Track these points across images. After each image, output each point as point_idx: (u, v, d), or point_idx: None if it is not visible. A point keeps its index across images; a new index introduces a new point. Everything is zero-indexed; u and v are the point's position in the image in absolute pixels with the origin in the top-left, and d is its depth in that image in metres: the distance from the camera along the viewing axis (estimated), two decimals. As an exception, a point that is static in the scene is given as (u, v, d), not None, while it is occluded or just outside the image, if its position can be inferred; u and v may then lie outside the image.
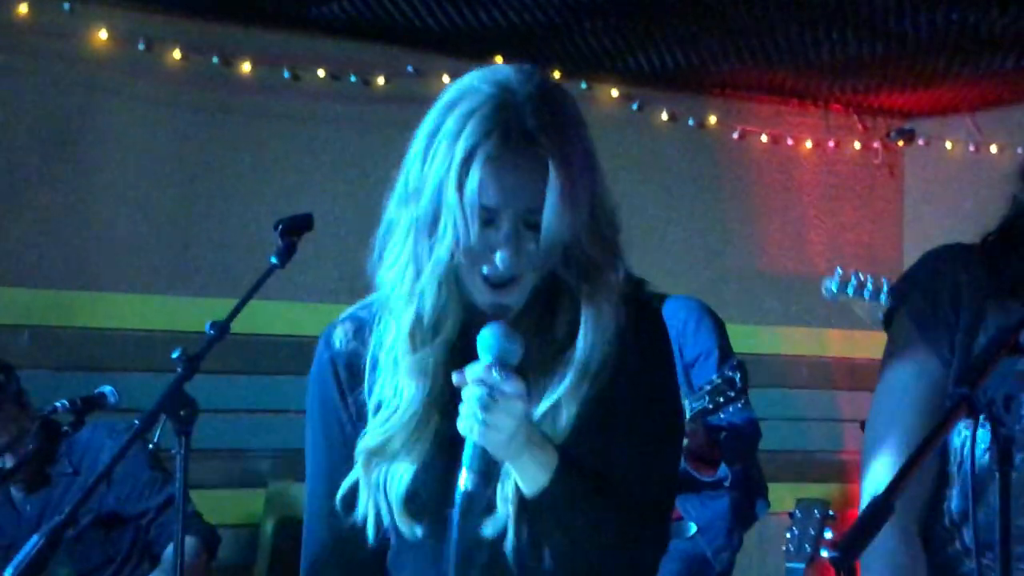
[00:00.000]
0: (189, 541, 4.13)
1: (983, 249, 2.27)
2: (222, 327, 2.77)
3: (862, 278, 3.94)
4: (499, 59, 6.49)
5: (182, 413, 2.64)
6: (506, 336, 1.93)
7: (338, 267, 6.14)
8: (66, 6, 5.62)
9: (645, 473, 2.04)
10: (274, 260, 2.92)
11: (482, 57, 6.47)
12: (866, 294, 3.98)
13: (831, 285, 4.06)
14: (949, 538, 2.19)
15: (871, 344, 4.44)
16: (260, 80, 6.02)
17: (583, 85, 6.72)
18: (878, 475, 2.16)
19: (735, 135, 7.25)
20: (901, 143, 7.66)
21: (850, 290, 4.01)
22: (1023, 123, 7.27)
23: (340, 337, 2.27)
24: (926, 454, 1.56)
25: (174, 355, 2.69)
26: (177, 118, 5.90)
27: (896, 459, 2.12)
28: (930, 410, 2.08)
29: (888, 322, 2.31)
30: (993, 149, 7.41)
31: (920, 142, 7.66)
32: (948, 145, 7.57)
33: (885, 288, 3.96)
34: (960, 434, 2.06)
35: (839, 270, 4.03)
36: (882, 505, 1.52)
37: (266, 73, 6.03)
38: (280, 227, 2.91)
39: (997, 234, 2.28)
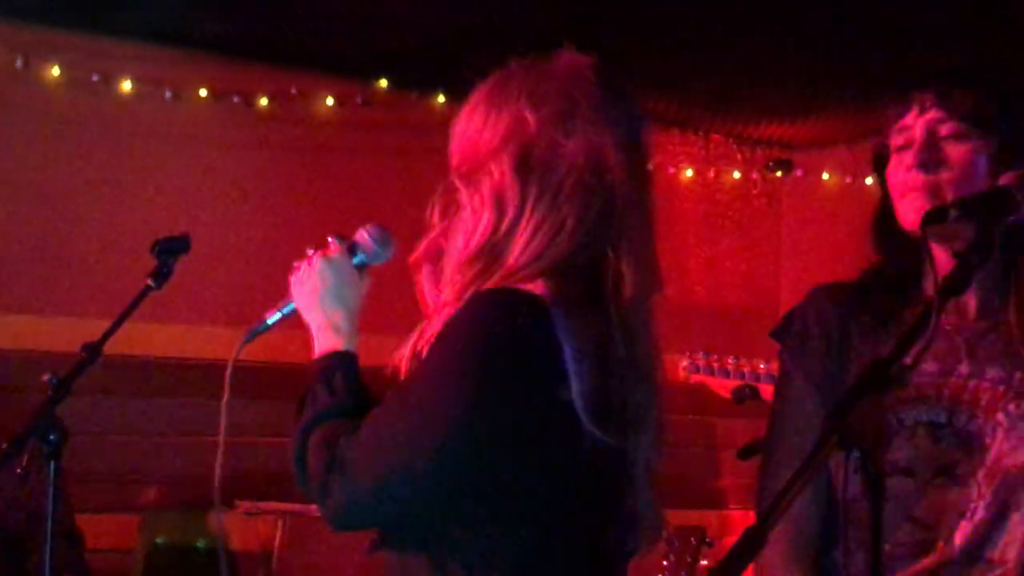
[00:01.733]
0: None
1: (858, 281, 2.35)
2: (94, 349, 2.73)
3: (707, 360, 4.10)
4: (383, 83, 6.48)
5: (51, 437, 2.60)
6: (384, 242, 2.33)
7: (218, 289, 6.07)
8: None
9: (363, 442, 2.00)
10: (150, 281, 2.89)
11: (366, 80, 6.46)
12: (716, 374, 4.14)
13: (686, 367, 4.22)
14: (837, 568, 2.25)
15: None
16: (141, 98, 5.94)
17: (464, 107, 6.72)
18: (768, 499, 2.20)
19: (617, 162, 7.29)
20: (779, 173, 7.77)
21: (704, 371, 4.15)
22: (898, 156, 7.41)
23: None
24: (797, 487, 1.57)
25: (45, 378, 2.65)
26: (55, 134, 5.80)
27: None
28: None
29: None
30: (869, 181, 7.53)
31: (798, 173, 7.77)
32: (825, 176, 7.69)
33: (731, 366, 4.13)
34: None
35: (688, 354, 4.18)
36: (756, 535, 1.53)
37: (147, 91, 5.95)
38: (157, 248, 2.88)
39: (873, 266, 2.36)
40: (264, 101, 6.23)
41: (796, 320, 2.40)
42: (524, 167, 2.06)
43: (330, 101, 6.40)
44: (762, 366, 3.89)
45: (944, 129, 2.25)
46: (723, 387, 3.99)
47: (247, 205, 6.16)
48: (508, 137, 2.10)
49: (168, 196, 6.00)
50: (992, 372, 2.22)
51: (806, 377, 2.34)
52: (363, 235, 2.42)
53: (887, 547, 2.19)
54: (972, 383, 2.22)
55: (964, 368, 2.24)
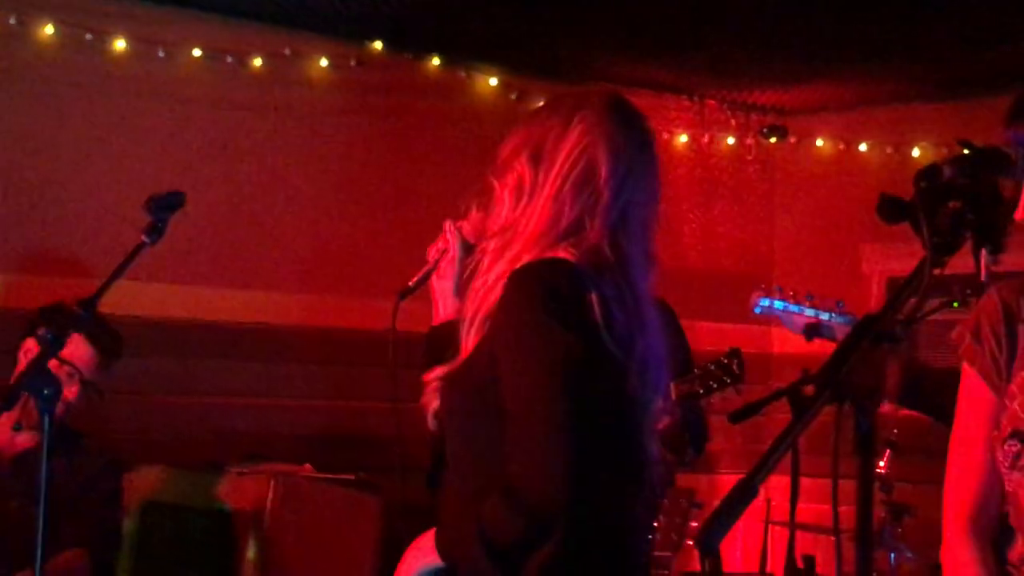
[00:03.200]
0: (79, 553, 4.06)
1: None
2: (90, 304, 2.73)
3: (781, 293, 4.11)
4: (377, 45, 6.46)
5: (45, 392, 2.60)
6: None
7: (209, 249, 6.07)
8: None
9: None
10: (144, 237, 2.89)
11: (360, 42, 6.44)
12: (793, 307, 4.15)
13: (761, 302, 4.22)
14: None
15: (744, 339, 4.52)
16: (134, 56, 5.93)
17: (462, 74, 6.72)
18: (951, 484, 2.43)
19: (612, 127, 7.29)
20: (774, 139, 7.77)
21: (778, 304, 4.16)
22: (891, 123, 7.42)
23: None
24: (789, 439, 1.58)
25: (39, 332, 2.65)
26: (48, 93, 5.78)
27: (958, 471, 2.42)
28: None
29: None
30: (862, 147, 7.54)
31: (792, 139, 7.77)
32: (819, 142, 7.70)
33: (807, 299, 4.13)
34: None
35: (762, 287, 4.20)
36: (746, 488, 1.54)
37: (140, 49, 5.93)
38: (151, 204, 2.89)
39: None
40: (258, 61, 6.21)
41: (974, 318, 2.44)
42: (536, 158, 2.49)
43: (324, 62, 6.39)
44: (835, 304, 3.90)
45: None
46: (795, 323, 4.00)
47: (240, 165, 6.14)
48: (528, 140, 2.53)
49: (161, 155, 5.99)
50: None
51: (981, 375, 2.40)
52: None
53: None
54: None
55: None
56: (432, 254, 3.13)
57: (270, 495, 4.78)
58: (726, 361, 3.96)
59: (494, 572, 2.24)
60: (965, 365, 2.43)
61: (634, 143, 2.53)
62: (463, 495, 2.37)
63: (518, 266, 2.38)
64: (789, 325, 4.05)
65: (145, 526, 5.40)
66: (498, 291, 2.38)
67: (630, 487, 2.42)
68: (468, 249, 2.90)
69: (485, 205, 2.59)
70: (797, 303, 4.10)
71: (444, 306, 3.11)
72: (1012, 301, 2.38)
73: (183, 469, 5.51)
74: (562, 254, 2.37)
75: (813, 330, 3.96)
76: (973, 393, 2.40)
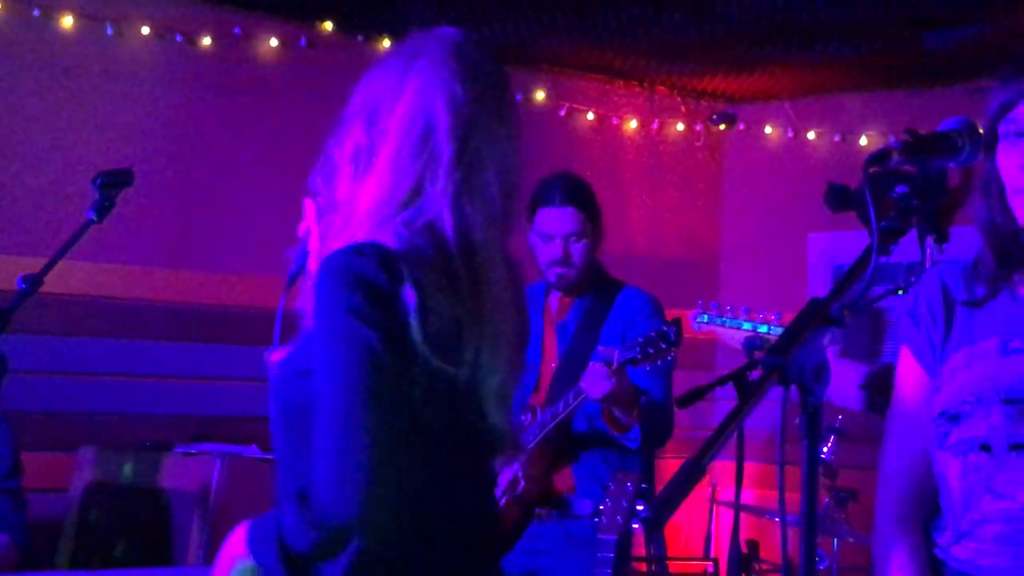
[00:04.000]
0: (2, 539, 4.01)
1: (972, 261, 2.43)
2: (35, 280, 2.71)
3: (719, 310, 4.15)
4: (328, 25, 6.44)
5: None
6: None
7: (157, 229, 6.04)
8: None
9: None
10: (91, 214, 2.87)
11: (311, 23, 6.42)
12: (727, 323, 4.18)
13: (700, 319, 4.25)
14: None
15: (690, 325, 4.53)
16: (82, 33, 5.88)
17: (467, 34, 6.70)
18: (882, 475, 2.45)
19: (562, 112, 7.32)
20: (723, 127, 7.81)
21: (713, 320, 4.19)
22: (840, 112, 7.47)
23: None
24: (736, 422, 1.59)
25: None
26: (-6, 69, 5.74)
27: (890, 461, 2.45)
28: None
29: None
30: (811, 136, 7.59)
31: (741, 126, 7.81)
32: (768, 130, 7.74)
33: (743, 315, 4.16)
34: None
35: (700, 303, 4.23)
36: (693, 469, 1.55)
37: (88, 26, 5.89)
38: (99, 181, 2.86)
39: None
40: (207, 41, 6.18)
41: (912, 299, 2.44)
42: (371, 121, 2.23)
43: (274, 43, 6.36)
44: (773, 317, 3.94)
45: None
46: (733, 338, 4.03)
47: (188, 144, 6.11)
48: (364, 101, 2.27)
49: (109, 133, 5.95)
50: None
51: (917, 357, 2.41)
52: None
53: (975, 516, 2.30)
54: None
55: None
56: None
57: (216, 475, 4.78)
58: (665, 329, 3.99)
59: None
60: (903, 347, 2.45)
61: (479, 93, 2.23)
62: (279, 491, 2.23)
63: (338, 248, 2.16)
64: (729, 340, 4.08)
65: (89, 508, 5.38)
66: None
67: (454, 488, 2.22)
68: None
69: (330, 177, 2.30)
70: (735, 318, 4.14)
71: None
72: (952, 283, 2.39)
73: (128, 450, 5.49)
74: (383, 237, 2.13)
75: (752, 344, 3.99)
76: (909, 375, 2.42)
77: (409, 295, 2.06)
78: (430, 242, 2.14)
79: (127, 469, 5.38)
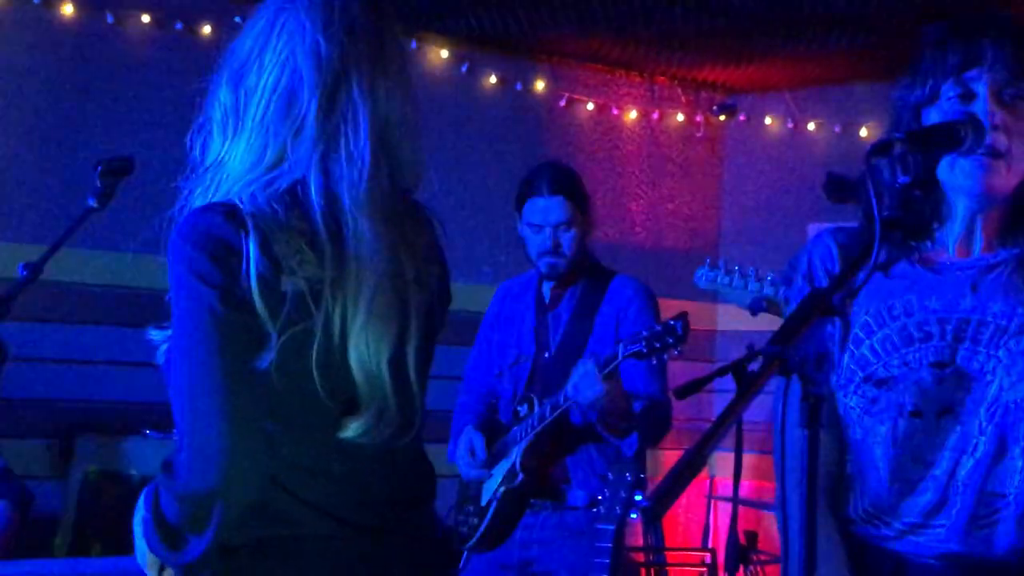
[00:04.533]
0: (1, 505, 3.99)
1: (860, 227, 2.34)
2: (35, 268, 2.71)
3: (729, 267, 4.12)
4: (329, 14, 6.43)
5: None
6: None
7: (157, 216, 6.02)
8: None
9: None
10: (92, 202, 2.86)
11: (312, 11, 6.40)
12: (734, 281, 4.15)
13: (705, 275, 4.22)
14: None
15: (690, 316, 4.53)
16: (83, 22, 5.87)
17: (413, 44, 6.70)
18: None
19: (562, 102, 7.31)
20: (723, 117, 7.80)
21: (719, 279, 4.16)
22: (840, 102, 7.47)
23: None
24: (737, 410, 1.59)
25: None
26: (-6, 57, 5.73)
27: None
28: None
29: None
30: (811, 127, 7.59)
31: (741, 117, 7.81)
32: (768, 121, 7.73)
33: (751, 275, 4.13)
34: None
35: (708, 260, 4.21)
36: (693, 459, 1.55)
37: (89, 16, 5.88)
38: (100, 169, 2.86)
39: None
40: (207, 29, 6.17)
41: (805, 262, 2.39)
42: (238, 82, 2.14)
43: (275, 31, 6.34)
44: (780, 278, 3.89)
45: (1008, 94, 2.21)
46: (740, 298, 3.99)
47: (188, 132, 6.09)
48: (231, 61, 2.17)
49: (110, 121, 5.94)
50: (995, 307, 2.24)
51: None
52: None
53: (895, 485, 2.26)
54: (975, 318, 2.24)
55: (968, 303, 2.26)
56: None
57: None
58: (672, 323, 3.97)
59: (162, 550, 2.07)
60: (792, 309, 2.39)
61: (348, 43, 2.10)
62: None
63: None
64: (732, 299, 4.06)
65: (87, 496, 5.39)
66: None
67: (320, 449, 2.08)
68: None
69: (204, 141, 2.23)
70: (742, 277, 4.12)
71: None
72: (849, 248, 2.34)
73: (128, 436, 5.50)
74: (237, 199, 2.05)
75: (758, 305, 3.97)
76: None
77: (255, 260, 1.98)
78: (289, 203, 2.04)
79: (126, 456, 5.39)
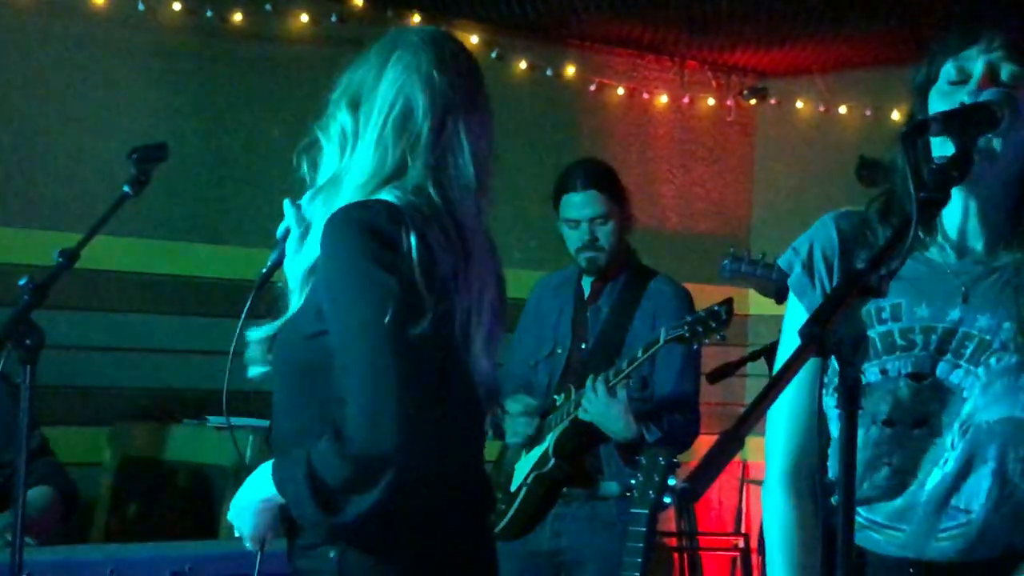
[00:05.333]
0: (47, 491, 3.98)
1: (866, 211, 2.30)
2: (71, 255, 2.73)
3: (751, 256, 4.12)
4: (359, 1, 6.44)
5: (28, 342, 2.60)
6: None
7: (189, 204, 6.05)
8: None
9: None
10: (127, 188, 2.88)
11: (341, -2, 6.42)
12: (758, 271, 4.15)
13: (729, 266, 4.23)
14: (830, 492, 2.28)
15: (711, 298, 4.53)
16: (114, 11, 5.89)
17: (443, 30, 6.69)
18: (772, 431, 2.36)
19: (592, 87, 7.30)
20: (754, 101, 7.77)
21: (743, 269, 4.16)
22: (871, 86, 7.43)
23: None
24: (776, 392, 1.58)
25: (21, 282, 2.65)
26: (29, 49, 5.75)
27: (781, 418, 2.35)
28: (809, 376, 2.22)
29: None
30: (842, 110, 7.56)
31: (772, 101, 7.78)
32: (799, 105, 7.70)
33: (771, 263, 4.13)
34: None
35: (731, 251, 4.20)
36: (731, 440, 1.54)
37: (120, 4, 5.89)
38: (135, 156, 2.87)
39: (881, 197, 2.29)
40: (238, 17, 6.18)
41: (806, 248, 2.34)
42: (355, 105, 2.44)
43: (305, 17, 6.36)
44: None
45: (1005, 72, 2.19)
46: (765, 288, 3.97)
47: (219, 121, 6.12)
48: (346, 88, 2.48)
49: (141, 109, 5.96)
50: (982, 320, 2.20)
51: (809, 311, 2.29)
52: None
53: (863, 486, 2.24)
54: (961, 331, 2.21)
55: (956, 314, 2.21)
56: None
57: (249, 450, 4.80)
58: (716, 309, 3.98)
59: (316, 512, 2.23)
60: (793, 297, 2.36)
61: (453, 80, 2.42)
62: (291, 437, 2.37)
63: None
64: (758, 288, 4.05)
65: (123, 482, 5.42)
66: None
67: (461, 430, 2.40)
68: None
69: (316, 159, 2.52)
70: (766, 266, 4.11)
71: None
72: (851, 236, 2.30)
73: (162, 423, 5.52)
74: (383, 196, 2.33)
75: (784, 294, 3.97)
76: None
77: (415, 244, 2.25)
78: (423, 203, 2.32)
79: (161, 443, 5.42)
